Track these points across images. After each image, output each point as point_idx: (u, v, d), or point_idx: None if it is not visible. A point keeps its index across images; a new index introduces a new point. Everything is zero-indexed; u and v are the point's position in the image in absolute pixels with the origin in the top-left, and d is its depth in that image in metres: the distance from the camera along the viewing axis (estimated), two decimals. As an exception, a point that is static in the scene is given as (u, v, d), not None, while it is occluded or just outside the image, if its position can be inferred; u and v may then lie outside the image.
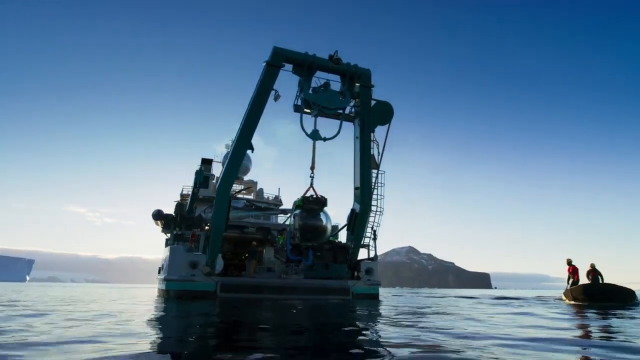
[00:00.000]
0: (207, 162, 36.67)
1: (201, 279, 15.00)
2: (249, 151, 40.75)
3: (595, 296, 13.79)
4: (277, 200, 34.15)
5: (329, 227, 16.72)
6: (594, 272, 14.56)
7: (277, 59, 14.71)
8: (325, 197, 17.06)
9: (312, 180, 16.37)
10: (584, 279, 15.04)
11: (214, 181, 36.06)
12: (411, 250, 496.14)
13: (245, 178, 37.17)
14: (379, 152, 17.69)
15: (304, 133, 15.26)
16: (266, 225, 21.76)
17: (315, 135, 15.28)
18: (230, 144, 41.13)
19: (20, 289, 27.71)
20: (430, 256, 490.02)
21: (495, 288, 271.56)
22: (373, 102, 17.26)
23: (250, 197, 33.06)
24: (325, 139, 15.51)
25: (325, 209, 17.00)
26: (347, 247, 17.49)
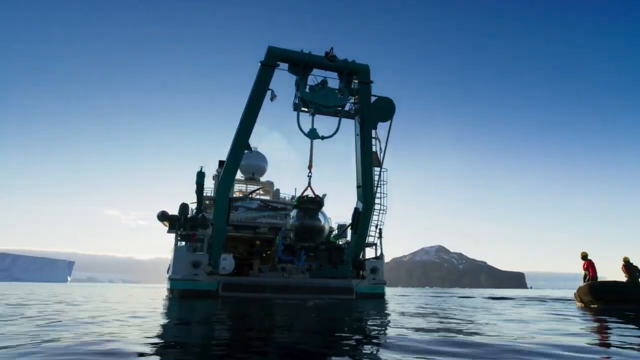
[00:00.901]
0: (223, 164, 37.28)
1: (203, 278, 15.23)
2: (264, 152, 40.54)
3: (603, 296, 11.83)
4: (294, 200, 34.19)
5: (327, 228, 16.59)
6: (628, 268, 12.21)
7: (272, 59, 14.72)
8: (321, 196, 16.93)
9: (309, 179, 16.29)
10: (603, 277, 13.60)
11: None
12: (441, 249, 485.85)
13: (262, 179, 37.54)
14: (381, 150, 17.41)
15: (301, 132, 15.17)
16: (279, 225, 21.87)
17: (313, 134, 15.18)
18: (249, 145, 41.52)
19: (74, 289, 29.14)
20: (460, 255, 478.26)
21: (531, 288, 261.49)
22: (374, 98, 16.99)
23: (267, 197, 33.30)
24: (323, 138, 15.39)
25: (323, 209, 16.88)
26: (343, 248, 17.32)
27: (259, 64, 14.60)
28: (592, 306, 11.51)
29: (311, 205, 15.51)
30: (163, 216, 16.65)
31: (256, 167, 37.34)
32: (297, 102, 15.51)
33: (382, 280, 17.72)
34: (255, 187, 34.00)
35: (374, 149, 17.29)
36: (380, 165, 17.33)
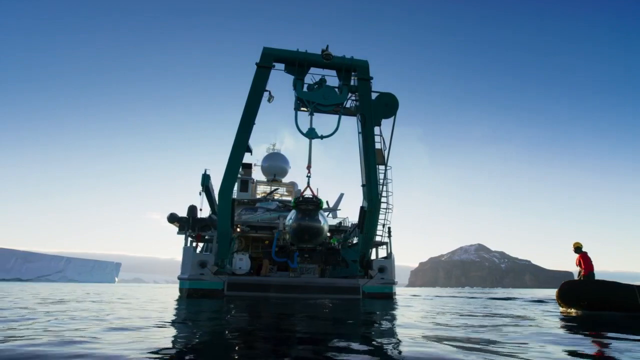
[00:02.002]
0: (246, 167, 38.05)
1: (210, 277, 15.63)
2: (283, 152, 40.84)
3: (578, 299, 9.55)
4: (292, 201, 34.28)
5: (326, 228, 16.46)
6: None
7: (267, 60, 14.83)
8: (339, 196, 16.88)
9: (308, 180, 16.26)
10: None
11: (253, 184, 37.27)
12: (481, 247, 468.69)
13: (284, 180, 37.94)
14: (385, 147, 17.10)
15: (299, 132, 15.16)
16: None
17: (311, 134, 15.14)
18: (272, 146, 42.08)
19: (130, 290, 31.06)
20: (502, 254, 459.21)
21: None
22: (376, 95, 16.72)
23: (289, 198, 33.63)
24: (322, 137, 15.32)
25: (337, 208, 16.84)
26: (338, 249, 17.18)
27: (255, 65, 14.75)
28: (570, 311, 9.57)
29: (309, 205, 15.40)
30: (172, 218, 17.25)
31: (278, 169, 37.81)
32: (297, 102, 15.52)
33: (390, 280, 17.41)
34: (273, 188, 34.40)
35: (378, 147, 17.04)
36: (385, 163, 17.04)
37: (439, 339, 4.49)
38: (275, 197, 33.77)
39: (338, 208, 30.61)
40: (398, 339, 4.58)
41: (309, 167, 15.88)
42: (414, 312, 9.16)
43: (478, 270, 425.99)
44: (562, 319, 7.68)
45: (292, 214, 16.09)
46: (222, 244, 15.87)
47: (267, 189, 36.73)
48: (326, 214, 29.38)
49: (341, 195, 32.20)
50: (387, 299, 16.20)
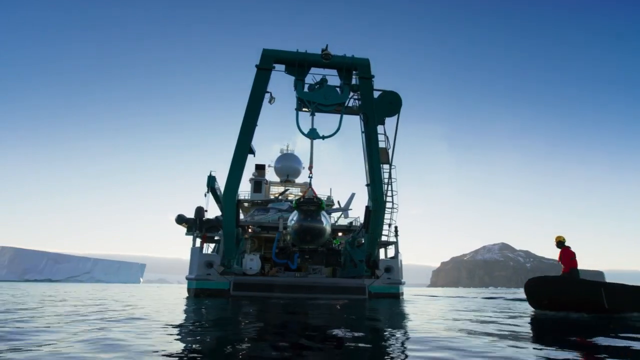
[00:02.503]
0: (260, 168, 38.35)
1: (216, 277, 15.88)
2: (296, 153, 40.86)
3: (540, 297, 8.87)
4: (329, 201, 34.45)
5: (328, 229, 16.43)
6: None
7: (267, 61, 14.93)
8: (350, 196, 16.87)
9: (310, 180, 16.28)
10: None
11: (267, 185, 37.57)
12: (505, 246, 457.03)
13: (298, 180, 38.12)
14: (389, 146, 16.98)
15: (301, 133, 15.20)
16: None
17: (312, 134, 15.15)
18: (285, 147, 42.28)
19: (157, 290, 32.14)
20: (527, 253, 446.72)
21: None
22: (379, 93, 16.62)
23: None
24: (324, 137, 15.32)
25: (350, 207, 16.80)
26: (339, 250, 17.10)
27: (255, 67, 14.88)
28: (538, 310, 8.82)
29: (311, 206, 15.39)
30: (180, 219, 17.61)
31: (291, 169, 38.05)
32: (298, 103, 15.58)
33: (397, 280, 17.26)
34: (285, 189, 34.62)
35: (383, 145, 16.93)
36: (389, 162, 16.91)
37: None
38: (289, 198, 33.99)
39: (349, 208, 30.53)
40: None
41: (310, 168, 15.91)
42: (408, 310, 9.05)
43: (502, 270, 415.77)
44: (512, 324, 6.29)
45: (293, 215, 16.14)
46: (228, 244, 16.10)
47: (281, 189, 37.02)
48: (338, 214, 29.37)
49: (352, 195, 32.12)
50: (393, 299, 16.08)
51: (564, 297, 8.37)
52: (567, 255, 9.62)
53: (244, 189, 35.19)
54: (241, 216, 29.28)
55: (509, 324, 6.22)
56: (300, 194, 37.23)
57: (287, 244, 17.84)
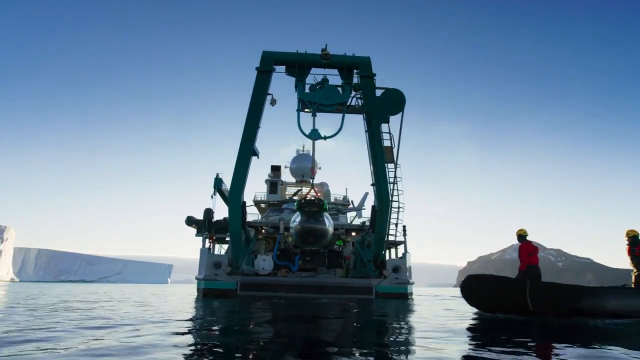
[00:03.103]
0: (275, 169, 38.70)
1: (223, 278, 16.18)
2: (311, 153, 41.11)
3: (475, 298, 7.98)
4: (345, 200, 34.42)
5: (331, 230, 16.40)
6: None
7: (267, 64, 15.07)
8: (364, 195, 16.88)
9: (312, 181, 16.32)
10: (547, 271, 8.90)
11: (282, 186, 37.88)
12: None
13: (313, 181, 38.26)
14: (394, 145, 16.83)
15: (302, 134, 15.25)
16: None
17: (314, 135, 15.18)
18: (301, 148, 42.58)
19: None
20: (559, 251, 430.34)
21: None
22: (382, 91, 16.50)
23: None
24: (325, 138, 15.34)
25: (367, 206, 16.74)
26: (340, 251, 17.02)
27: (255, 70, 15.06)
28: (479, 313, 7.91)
29: (313, 207, 15.36)
30: (190, 221, 18.06)
31: (306, 170, 38.14)
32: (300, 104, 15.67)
33: (405, 280, 17.08)
34: (297, 189, 34.80)
35: (388, 144, 16.81)
36: (394, 161, 16.77)
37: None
38: (294, 198, 34.17)
39: (363, 207, 30.41)
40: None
41: (312, 169, 15.97)
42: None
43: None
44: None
45: (296, 216, 16.21)
46: (235, 245, 16.37)
47: (294, 190, 37.27)
48: (353, 214, 29.28)
49: (366, 195, 31.96)
50: (401, 299, 15.94)
51: (496, 297, 7.48)
52: (525, 251, 8.60)
53: (260, 190, 35.58)
54: (258, 217, 29.63)
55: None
56: (317, 193, 37.23)
57: (289, 245, 17.94)
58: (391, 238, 17.61)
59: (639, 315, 6.82)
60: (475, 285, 7.99)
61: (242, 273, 16.31)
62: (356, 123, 17.09)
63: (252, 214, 28.20)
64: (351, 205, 32.41)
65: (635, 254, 7.71)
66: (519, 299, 6.95)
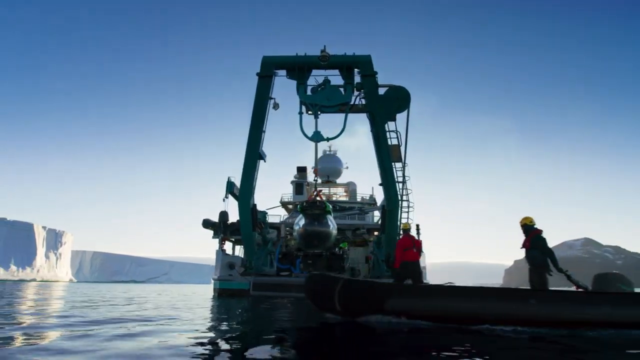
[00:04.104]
0: (301, 170, 39.15)
1: (237, 278, 16.70)
2: (340, 154, 40.76)
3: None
4: (372, 199, 34.35)
5: (334, 233, 16.37)
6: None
7: (267, 68, 15.31)
8: (325, 201, 16.79)
9: (315, 183, 16.36)
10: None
11: (308, 186, 38.24)
12: (589, 242, 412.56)
13: (339, 181, 38.29)
14: (400, 143, 16.56)
15: (305, 137, 15.38)
16: (340, 226, 22.37)
17: (317, 137, 15.26)
18: (328, 148, 42.84)
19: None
20: (617, 248, 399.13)
21: None
22: (385, 89, 16.27)
23: (346, 199, 33.99)
24: (328, 139, 15.40)
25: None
26: (342, 255, 16.87)
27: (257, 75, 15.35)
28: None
29: (316, 210, 15.38)
30: (206, 223, 18.75)
31: (331, 170, 38.26)
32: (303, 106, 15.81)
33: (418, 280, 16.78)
34: (318, 189, 34.86)
35: (395, 142, 16.57)
36: (401, 160, 16.49)
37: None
38: (333, 199, 34.28)
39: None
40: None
41: (315, 171, 16.08)
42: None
43: (587, 268, 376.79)
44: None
45: (299, 220, 16.35)
46: (247, 246, 16.86)
47: (327, 190, 37.42)
48: (378, 213, 29.04)
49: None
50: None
51: (316, 297, 6.75)
52: (400, 246, 7.59)
53: (287, 192, 36.10)
54: (284, 218, 30.10)
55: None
56: (345, 194, 37.27)
57: (291, 249, 18.12)
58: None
59: (443, 320, 5.70)
60: (308, 284, 7.14)
61: (255, 273, 16.74)
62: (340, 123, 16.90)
63: (275, 216, 28.65)
64: (378, 204, 32.19)
65: (525, 246, 6.42)
66: (328, 299, 6.27)
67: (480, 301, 5.80)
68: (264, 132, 15.82)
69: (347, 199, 34.37)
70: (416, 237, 9.51)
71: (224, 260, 17.16)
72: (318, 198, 16.39)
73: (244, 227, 16.46)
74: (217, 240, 18.80)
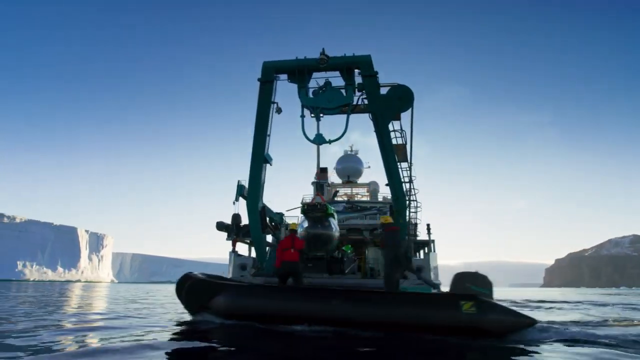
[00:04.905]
0: (322, 171, 39.36)
1: (248, 279, 17.08)
2: (362, 154, 40.39)
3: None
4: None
5: (337, 236, 16.36)
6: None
7: (268, 74, 15.38)
8: (326, 203, 16.74)
9: (317, 185, 16.43)
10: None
11: (329, 188, 38.42)
12: (638, 239, 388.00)
13: (360, 181, 38.24)
14: (404, 142, 16.38)
15: (307, 140, 15.45)
16: (357, 226, 22.39)
17: (319, 140, 15.28)
18: (349, 148, 42.82)
19: None
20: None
21: None
22: (388, 88, 16.17)
23: (368, 199, 34.07)
24: (330, 142, 15.40)
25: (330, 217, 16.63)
26: (341, 258, 16.75)
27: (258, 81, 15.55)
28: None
29: (317, 212, 15.38)
30: (220, 226, 19.27)
31: (352, 170, 38.19)
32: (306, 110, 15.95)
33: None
34: (335, 190, 34.93)
35: (400, 142, 16.43)
36: (407, 159, 16.31)
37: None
38: (356, 198, 34.24)
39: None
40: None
41: (317, 174, 16.16)
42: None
43: (637, 266, 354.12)
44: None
45: (302, 222, 16.46)
46: (258, 248, 17.23)
47: (344, 191, 37.45)
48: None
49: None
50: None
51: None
52: (280, 246, 7.66)
53: (308, 193, 36.46)
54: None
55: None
56: (367, 194, 37.21)
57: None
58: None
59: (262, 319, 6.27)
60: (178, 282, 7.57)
61: (266, 274, 17.06)
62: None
63: (294, 217, 29.00)
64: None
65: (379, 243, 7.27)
66: (178, 295, 7.13)
67: (286, 300, 6.24)
68: (269, 136, 16.08)
69: (369, 199, 34.34)
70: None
71: (236, 262, 17.61)
72: (320, 200, 16.52)
73: (254, 230, 16.82)
74: (231, 242, 19.31)
